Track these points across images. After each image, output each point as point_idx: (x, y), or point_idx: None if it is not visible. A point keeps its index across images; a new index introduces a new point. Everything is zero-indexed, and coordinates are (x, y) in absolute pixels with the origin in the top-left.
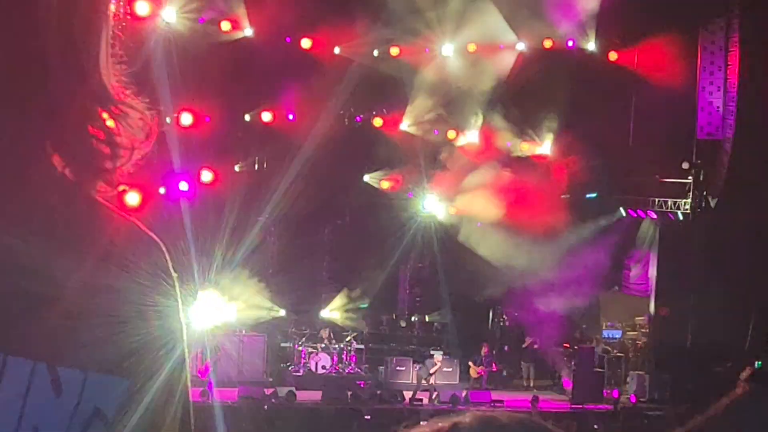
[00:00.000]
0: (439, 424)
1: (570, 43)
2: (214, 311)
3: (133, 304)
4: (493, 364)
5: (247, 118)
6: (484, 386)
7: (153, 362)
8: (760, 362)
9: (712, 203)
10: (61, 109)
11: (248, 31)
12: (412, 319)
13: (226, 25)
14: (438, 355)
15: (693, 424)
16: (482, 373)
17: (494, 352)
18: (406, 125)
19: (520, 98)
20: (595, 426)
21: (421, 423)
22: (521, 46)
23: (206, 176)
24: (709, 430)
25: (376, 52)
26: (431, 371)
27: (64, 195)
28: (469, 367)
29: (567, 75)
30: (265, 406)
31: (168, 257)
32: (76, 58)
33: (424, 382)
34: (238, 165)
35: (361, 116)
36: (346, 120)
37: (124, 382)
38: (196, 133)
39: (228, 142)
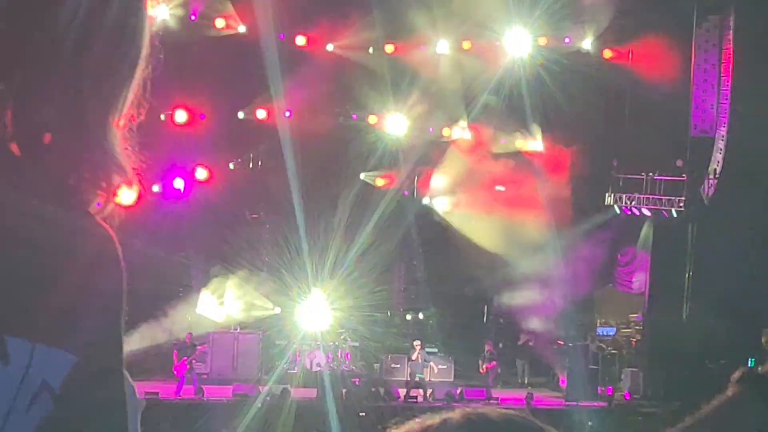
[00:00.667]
0: (429, 421)
1: (567, 41)
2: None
3: (77, 284)
4: (494, 362)
5: (241, 115)
6: (491, 382)
7: (98, 338)
8: (753, 360)
9: (706, 201)
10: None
11: (242, 28)
12: (407, 316)
13: (220, 22)
14: (417, 343)
15: (684, 426)
16: (490, 368)
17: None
18: (400, 122)
19: (514, 95)
20: (590, 423)
21: (414, 420)
22: (516, 43)
23: (201, 174)
24: (703, 429)
25: (371, 50)
26: (413, 358)
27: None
28: (479, 364)
29: (562, 72)
30: (260, 404)
31: (118, 248)
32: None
33: (416, 375)
34: (232, 163)
35: (357, 114)
36: (341, 117)
37: (70, 356)
38: (191, 131)
39: (223, 140)
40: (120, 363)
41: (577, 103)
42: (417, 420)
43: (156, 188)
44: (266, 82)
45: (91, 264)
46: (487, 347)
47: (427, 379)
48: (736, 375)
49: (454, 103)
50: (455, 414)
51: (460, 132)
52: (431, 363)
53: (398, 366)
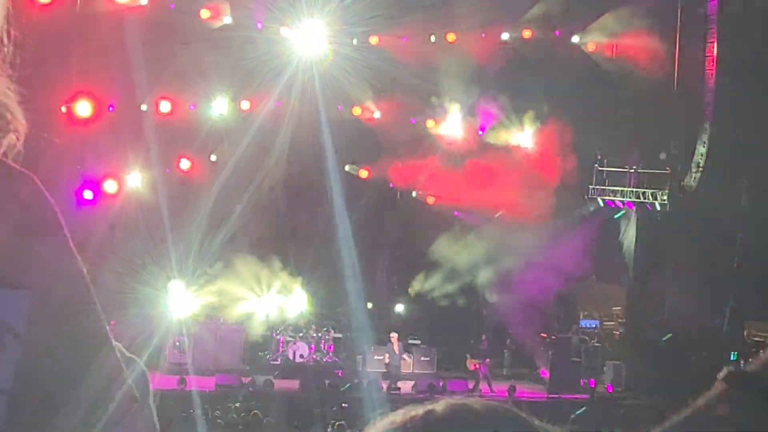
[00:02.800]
0: (413, 412)
1: (556, 33)
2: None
3: (12, 225)
4: (488, 359)
5: (224, 106)
6: (481, 379)
7: (51, 271)
8: (735, 353)
9: (690, 194)
10: None
11: (227, 19)
12: (394, 308)
13: (205, 13)
14: (393, 335)
15: (669, 425)
16: (476, 368)
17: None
18: (384, 114)
19: (500, 88)
20: (572, 416)
21: (398, 411)
22: (505, 36)
23: (184, 164)
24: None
25: (354, 41)
26: (395, 350)
27: None
28: (466, 359)
29: (548, 65)
30: (243, 395)
31: (41, 188)
32: None
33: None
34: (214, 154)
35: (342, 105)
36: (327, 109)
37: (24, 292)
38: (174, 122)
39: (205, 131)
40: (87, 295)
41: (562, 96)
42: (401, 411)
43: (134, 180)
44: (250, 73)
45: (15, 203)
46: (482, 343)
47: (410, 371)
48: (722, 373)
49: (438, 95)
50: (439, 405)
51: (445, 124)
52: (405, 356)
53: (381, 357)
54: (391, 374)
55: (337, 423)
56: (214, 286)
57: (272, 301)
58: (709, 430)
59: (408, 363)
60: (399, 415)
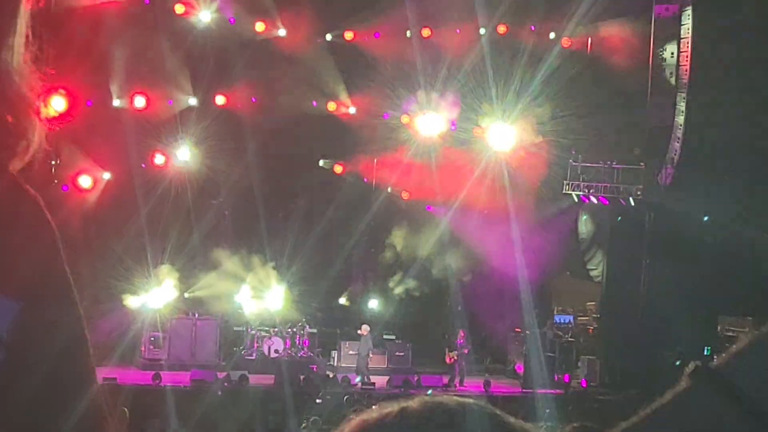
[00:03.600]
0: (387, 409)
1: (532, 29)
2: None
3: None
4: (466, 350)
5: (194, 101)
6: (457, 373)
7: (39, 283)
8: (708, 348)
9: (663, 189)
10: None
11: (204, 15)
12: (367, 303)
13: (179, 8)
14: (365, 327)
15: (636, 419)
16: (453, 361)
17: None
18: (359, 110)
19: (475, 83)
20: (547, 410)
21: (372, 407)
22: (482, 31)
23: (159, 159)
24: (653, 425)
25: (329, 36)
26: (365, 342)
27: None
28: (445, 353)
29: (523, 61)
30: (219, 391)
31: (42, 205)
32: None
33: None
34: (188, 149)
35: (316, 101)
36: (301, 104)
37: (11, 302)
38: (149, 117)
39: (181, 126)
40: (72, 307)
41: (537, 92)
42: (375, 408)
43: (107, 176)
44: (225, 68)
45: (11, 217)
46: (459, 336)
47: (385, 366)
48: (689, 368)
49: (413, 91)
50: (413, 402)
51: (419, 120)
52: (372, 352)
53: (356, 353)
54: (359, 366)
55: (311, 418)
56: (190, 281)
57: (248, 296)
58: (673, 425)
59: (379, 357)
60: (373, 412)
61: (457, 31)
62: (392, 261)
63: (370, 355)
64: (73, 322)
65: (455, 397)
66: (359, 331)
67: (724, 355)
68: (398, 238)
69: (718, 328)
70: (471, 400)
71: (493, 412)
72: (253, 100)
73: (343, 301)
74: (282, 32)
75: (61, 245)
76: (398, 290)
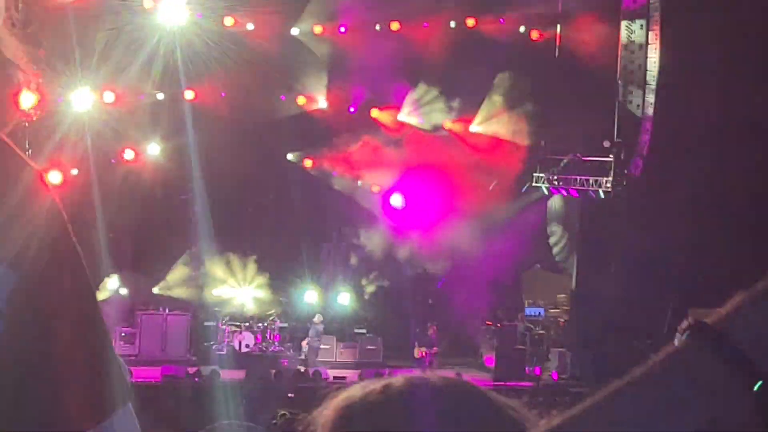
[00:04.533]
0: (371, 386)
1: (501, 22)
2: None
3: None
4: (434, 349)
5: (161, 95)
6: (425, 368)
7: (41, 255)
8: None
9: (633, 181)
10: None
11: (183, 13)
12: (339, 298)
13: (148, 3)
14: (317, 317)
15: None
16: (423, 355)
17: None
18: (329, 104)
19: (445, 76)
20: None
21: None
22: (452, 24)
23: (129, 155)
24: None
25: (297, 32)
26: (316, 332)
27: None
28: (414, 348)
29: (492, 53)
30: (189, 385)
31: (41, 174)
32: None
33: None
34: (158, 144)
35: (285, 95)
36: (271, 99)
37: (9, 273)
38: (119, 112)
39: (153, 120)
40: (79, 280)
41: (507, 84)
42: (359, 385)
43: (76, 171)
44: (194, 63)
45: (11, 186)
46: (430, 331)
47: (356, 360)
48: (683, 326)
49: (381, 84)
50: (397, 379)
51: (390, 113)
52: (323, 344)
53: (328, 347)
54: (309, 358)
55: (280, 413)
56: (160, 276)
57: (218, 291)
58: (666, 385)
59: (350, 351)
60: (357, 389)
61: (425, 24)
62: (364, 260)
63: (321, 347)
64: (80, 297)
65: (439, 375)
66: (313, 321)
67: (719, 310)
68: (369, 238)
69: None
70: (454, 378)
71: (476, 388)
72: (222, 94)
73: (313, 295)
74: (251, 26)
75: (65, 216)
76: (370, 288)
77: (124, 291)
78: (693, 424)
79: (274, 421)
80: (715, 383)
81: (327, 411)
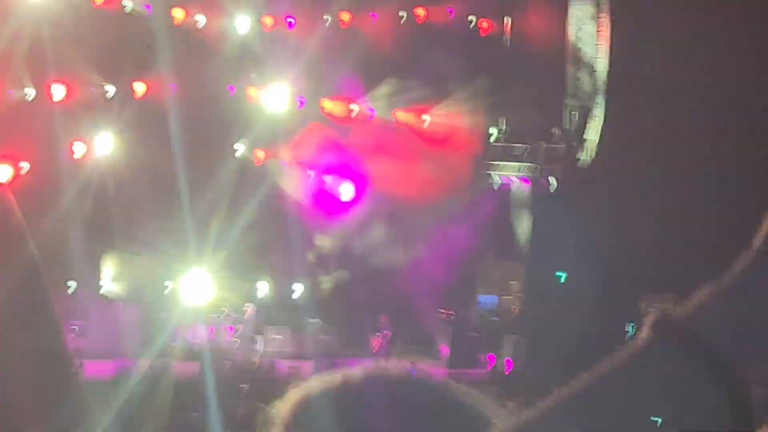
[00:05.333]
0: (330, 379)
1: (450, 11)
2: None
3: None
4: (388, 332)
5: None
6: (381, 355)
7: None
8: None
9: (585, 169)
10: None
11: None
12: (293, 288)
13: None
14: (248, 306)
15: (602, 368)
16: (378, 342)
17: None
18: (279, 95)
19: (395, 67)
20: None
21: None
22: (402, 14)
23: (79, 149)
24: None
25: (249, 23)
26: (248, 322)
27: None
28: (369, 336)
29: (438, 44)
30: (142, 378)
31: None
32: None
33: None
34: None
35: (234, 87)
36: (222, 92)
37: None
38: (69, 106)
39: (101, 114)
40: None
41: (455, 75)
42: (318, 378)
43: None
44: (145, 56)
45: None
46: (381, 320)
47: (310, 350)
48: (650, 319)
49: (331, 76)
50: (356, 371)
51: (338, 104)
52: (253, 334)
53: (280, 337)
54: (241, 350)
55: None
56: (111, 270)
57: (171, 284)
58: (640, 373)
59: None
60: (316, 381)
61: (372, 15)
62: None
63: (256, 339)
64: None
65: (398, 365)
66: (244, 310)
67: (683, 305)
68: (324, 239)
69: (642, 305)
70: (414, 368)
71: (433, 378)
72: (173, 87)
73: (267, 286)
74: (201, 19)
75: (14, 205)
76: (327, 285)
77: (74, 284)
78: (663, 411)
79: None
80: (683, 374)
81: (288, 403)
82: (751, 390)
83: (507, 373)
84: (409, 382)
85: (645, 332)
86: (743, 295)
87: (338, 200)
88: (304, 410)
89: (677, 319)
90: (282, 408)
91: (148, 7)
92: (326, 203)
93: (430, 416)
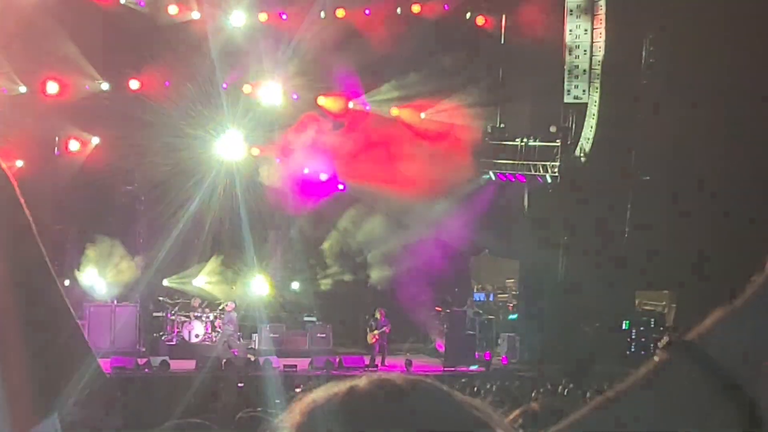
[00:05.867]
0: (335, 389)
1: (445, 7)
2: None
3: None
4: (386, 328)
5: (106, 86)
6: (377, 352)
7: None
8: (627, 322)
9: (580, 166)
10: None
11: None
12: (289, 285)
13: None
14: (229, 304)
15: (615, 392)
16: (376, 340)
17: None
18: (274, 91)
19: (391, 62)
20: (476, 388)
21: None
22: (398, 10)
23: (74, 145)
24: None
25: (243, 18)
26: (230, 320)
27: None
28: (367, 333)
29: (436, 40)
30: (138, 376)
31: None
32: None
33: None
34: (99, 136)
35: (227, 83)
36: (216, 87)
37: None
38: (63, 102)
39: (96, 110)
40: (30, 247)
41: (451, 70)
42: (322, 388)
43: (20, 163)
44: (139, 52)
45: None
46: (378, 314)
47: (306, 348)
48: (663, 342)
49: (327, 71)
50: (361, 381)
51: (333, 100)
52: (236, 333)
53: (276, 335)
54: (221, 348)
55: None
56: (108, 267)
57: (166, 281)
58: (650, 397)
59: (300, 339)
60: (321, 392)
61: (366, 11)
62: (311, 243)
63: (236, 336)
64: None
65: (403, 375)
66: (225, 308)
67: (697, 328)
68: (316, 220)
69: (636, 302)
70: (419, 377)
71: (441, 389)
72: (167, 84)
73: (263, 284)
74: (196, 15)
75: (14, 186)
76: (325, 283)
77: (67, 282)
78: None
79: (240, 416)
80: (698, 396)
81: (292, 414)
82: (765, 413)
83: (502, 370)
84: (415, 392)
85: (658, 354)
86: (757, 317)
87: (321, 184)
88: (309, 420)
89: (691, 341)
90: (288, 418)
91: (142, 3)
92: (310, 189)
93: (436, 426)
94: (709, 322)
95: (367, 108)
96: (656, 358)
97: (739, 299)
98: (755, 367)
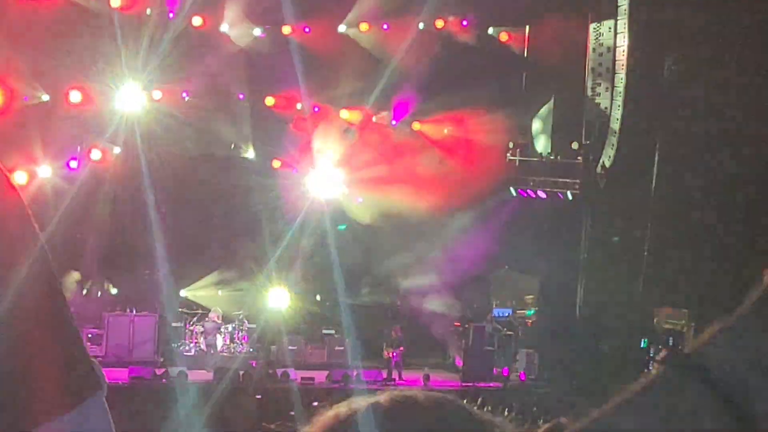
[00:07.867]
0: (356, 405)
1: (464, 23)
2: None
3: None
4: (401, 347)
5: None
6: (393, 367)
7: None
8: (645, 340)
9: (601, 183)
10: None
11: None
12: (309, 298)
13: (115, 2)
14: (215, 312)
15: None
16: (391, 356)
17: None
18: (295, 104)
19: (413, 78)
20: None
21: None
22: (421, 26)
23: (96, 155)
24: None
25: (259, 31)
26: (207, 329)
27: None
28: (382, 347)
29: (459, 56)
30: (156, 387)
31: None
32: None
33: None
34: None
35: (244, 94)
36: (233, 99)
37: None
38: (86, 112)
39: (118, 121)
40: (46, 273)
41: (474, 86)
42: (344, 403)
43: (42, 172)
44: (162, 63)
45: None
46: (393, 333)
47: (324, 361)
48: (661, 355)
49: (351, 85)
50: (383, 397)
51: (357, 114)
52: (216, 341)
53: (295, 348)
54: (206, 359)
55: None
56: (129, 277)
57: (187, 292)
58: (645, 411)
59: (318, 352)
60: (343, 407)
61: (384, 26)
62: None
63: (223, 345)
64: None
65: (425, 392)
66: (209, 317)
67: (694, 341)
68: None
69: (655, 320)
70: (440, 394)
71: (462, 405)
72: (185, 94)
73: (282, 295)
74: (224, 27)
75: (29, 213)
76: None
77: (85, 292)
78: None
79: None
80: (694, 410)
81: (314, 429)
82: (763, 427)
83: (520, 387)
84: (436, 409)
85: (656, 367)
86: (755, 329)
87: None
88: None
89: (689, 355)
90: None
91: (171, 15)
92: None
93: None
94: (707, 335)
95: (393, 124)
96: (653, 371)
97: (738, 311)
98: (753, 380)
